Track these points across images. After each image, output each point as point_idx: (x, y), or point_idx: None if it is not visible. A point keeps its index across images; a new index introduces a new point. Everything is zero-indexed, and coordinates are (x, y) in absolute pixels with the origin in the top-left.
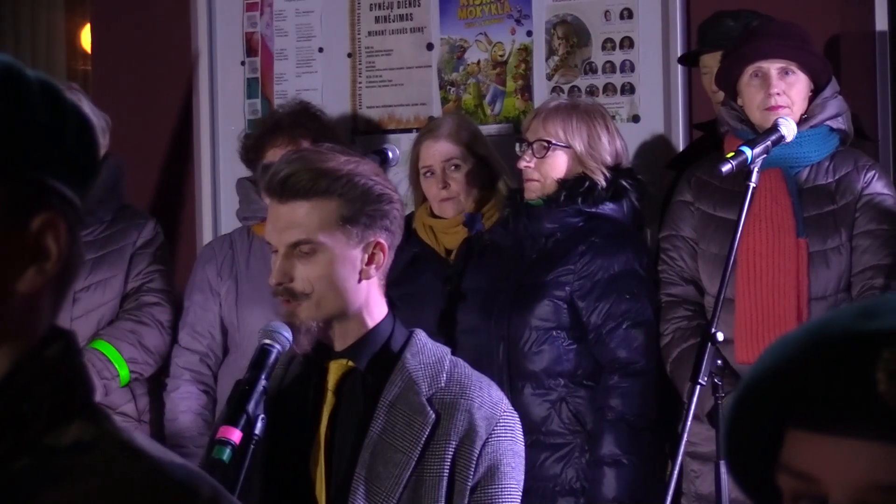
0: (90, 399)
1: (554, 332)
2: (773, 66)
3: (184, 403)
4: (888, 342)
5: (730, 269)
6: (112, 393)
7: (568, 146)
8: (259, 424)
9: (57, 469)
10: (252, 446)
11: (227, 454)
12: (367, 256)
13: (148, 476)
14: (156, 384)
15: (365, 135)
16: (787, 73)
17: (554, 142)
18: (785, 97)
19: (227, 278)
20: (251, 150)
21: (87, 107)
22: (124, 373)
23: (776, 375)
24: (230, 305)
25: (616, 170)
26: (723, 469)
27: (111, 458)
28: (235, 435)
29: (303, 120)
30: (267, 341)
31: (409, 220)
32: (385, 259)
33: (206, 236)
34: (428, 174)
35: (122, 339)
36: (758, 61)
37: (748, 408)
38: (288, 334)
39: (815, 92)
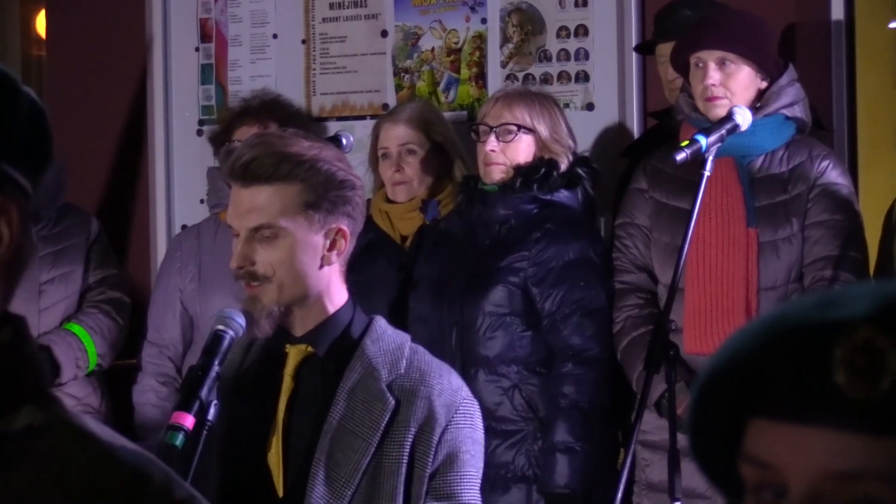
0: (41, 384)
1: (508, 318)
2: (710, 57)
3: (143, 396)
4: (846, 331)
5: (683, 258)
6: (82, 375)
7: (533, 130)
8: (212, 410)
9: (8, 454)
10: (205, 432)
11: (179, 439)
12: (328, 242)
13: (99, 461)
14: (109, 376)
15: (319, 121)
16: (724, 63)
17: (521, 126)
18: (721, 88)
19: (192, 267)
20: (220, 131)
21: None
22: (93, 360)
23: (737, 366)
24: (193, 294)
25: (573, 157)
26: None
27: (63, 443)
28: (188, 420)
29: (272, 105)
30: (220, 327)
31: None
32: (347, 246)
33: (160, 223)
34: (384, 157)
35: (95, 330)
36: (696, 51)
37: (711, 398)
38: (241, 320)
39: (773, 81)
